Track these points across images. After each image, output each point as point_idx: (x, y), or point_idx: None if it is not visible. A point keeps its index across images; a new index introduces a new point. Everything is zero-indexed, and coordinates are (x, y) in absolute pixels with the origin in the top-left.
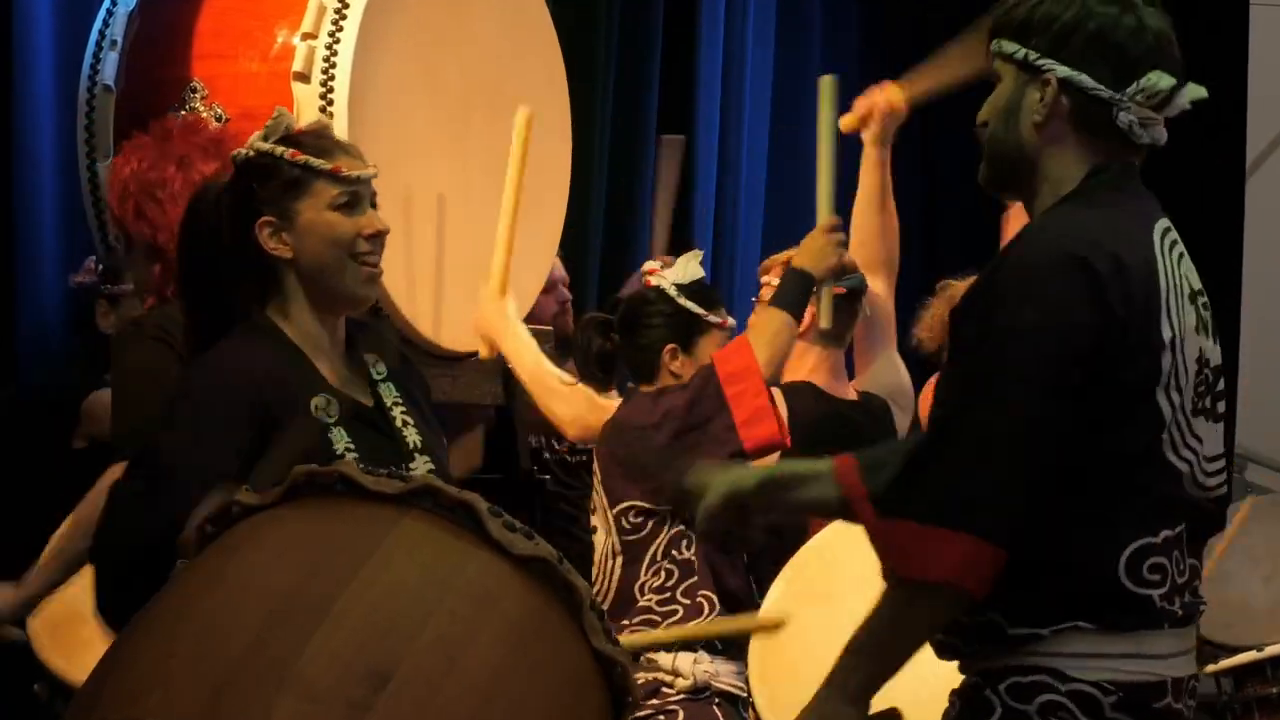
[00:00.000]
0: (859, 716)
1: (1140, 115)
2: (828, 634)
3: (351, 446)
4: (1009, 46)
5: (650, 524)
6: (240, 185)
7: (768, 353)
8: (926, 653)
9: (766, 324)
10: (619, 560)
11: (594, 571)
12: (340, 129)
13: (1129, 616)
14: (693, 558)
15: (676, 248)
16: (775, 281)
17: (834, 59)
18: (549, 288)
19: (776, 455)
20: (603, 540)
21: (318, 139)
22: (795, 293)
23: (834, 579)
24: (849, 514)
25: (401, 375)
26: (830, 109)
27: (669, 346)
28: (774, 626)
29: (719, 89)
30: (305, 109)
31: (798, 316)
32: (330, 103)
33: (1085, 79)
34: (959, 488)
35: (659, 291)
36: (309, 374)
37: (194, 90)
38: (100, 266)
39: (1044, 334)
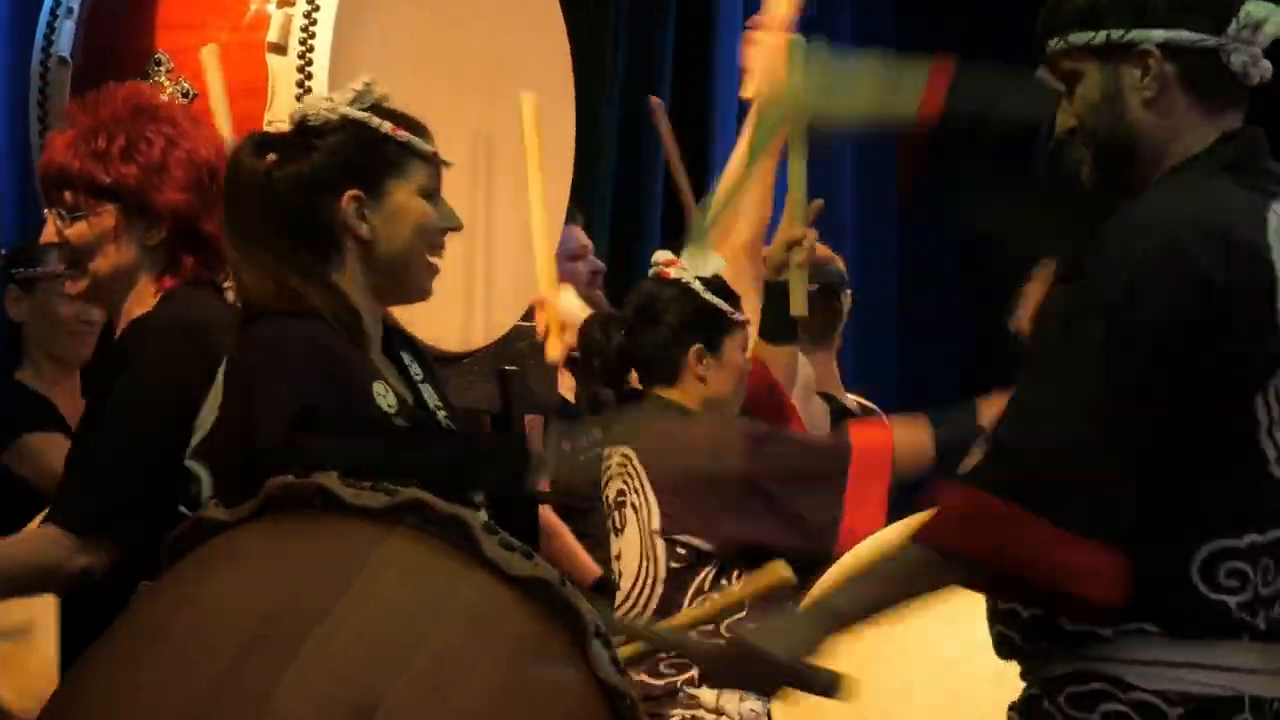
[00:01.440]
0: (822, 639)
1: (1250, 53)
2: (855, 660)
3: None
4: (1080, 37)
5: (700, 557)
6: (325, 149)
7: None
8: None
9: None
10: (659, 591)
11: (618, 596)
12: None
13: (1199, 623)
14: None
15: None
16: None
17: (865, 36)
18: (578, 254)
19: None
20: (635, 564)
21: (408, 117)
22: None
23: None
24: None
25: (435, 379)
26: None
27: (695, 347)
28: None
29: (738, 67)
30: (281, 83)
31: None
32: (309, 76)
33: (1185, 35)
34: (1050, 471)
35: (680, 286)
36: (367, 361)
37: (158, 63)
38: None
39: (1134, 320)
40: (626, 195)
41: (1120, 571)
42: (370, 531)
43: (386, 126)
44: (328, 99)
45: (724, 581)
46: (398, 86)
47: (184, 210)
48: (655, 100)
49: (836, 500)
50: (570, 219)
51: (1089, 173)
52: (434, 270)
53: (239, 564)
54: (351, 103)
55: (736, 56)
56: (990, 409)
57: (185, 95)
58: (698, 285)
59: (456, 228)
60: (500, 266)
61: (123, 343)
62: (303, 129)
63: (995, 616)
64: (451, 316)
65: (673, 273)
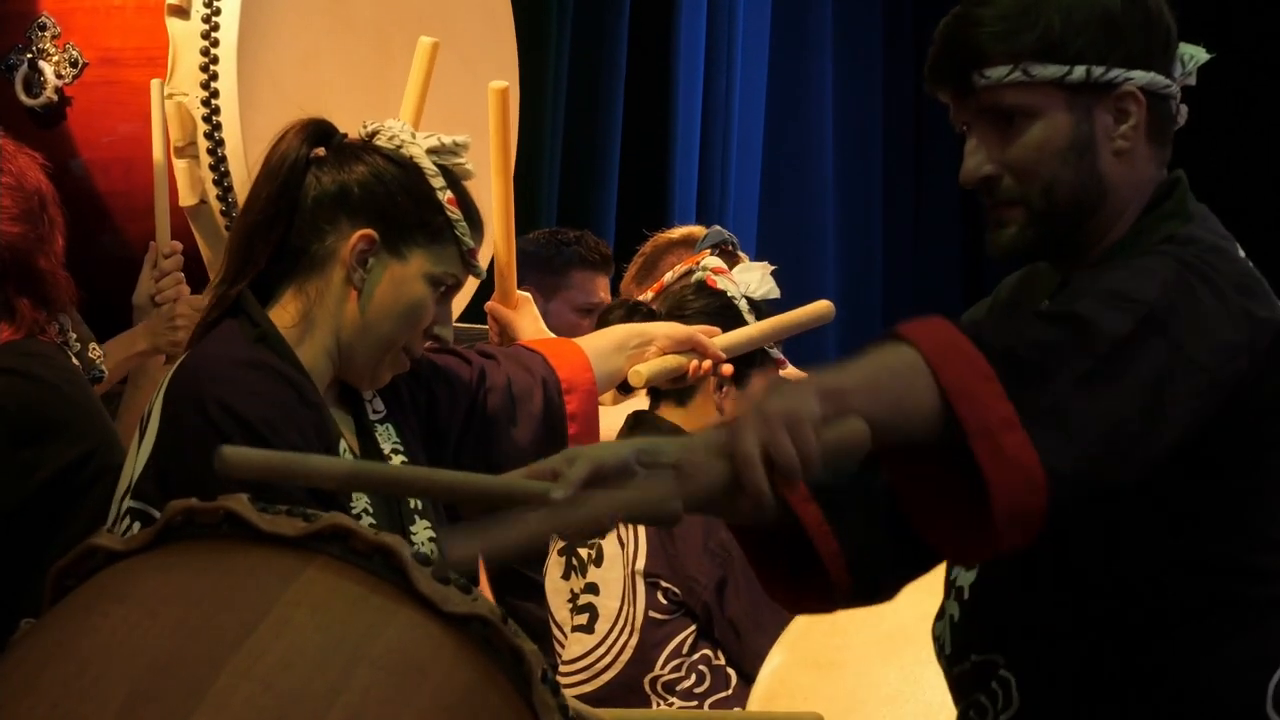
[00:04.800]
0: (816, 410)
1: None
2: (837, 707)
3: (370, 508)
4: (1045, 70)
5: (683, 611)
6: (372, 170)
7: None
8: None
9: None
10: (634, 639)
11: (589, 640)
12: (228, 76)
13: None
14: (730, 670)
15: (620, 220)
16: None
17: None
18: None
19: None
20: (615, 605)
21: (470, 202)
22: None
23: (841, 646)
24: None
25: (399, 412)
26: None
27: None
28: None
29: (704, 22)
30: (183, 51)
31: None
32: (215, 43)
33: (1159, 79)
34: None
35: (724, 301)
36: (324, 415)
37: (42, 28)
38: None
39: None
40: (575, 172)
41: (1035, 517)
42: (284, 563)
43: (444, 192)
44: (409, 129)
45: (709, 651)
46: (318, 48)
47: (16, 244)
48: None
49: None
50: None
51: (1021, 233)
52: (395, 369)
53: (129, 602)
54: (430, 150)
55: (701, 16)
56: None
57: (74, 65)
58: (744, 305)
59: (446, 340)
60: None
61: None
62: (366, 143)
63: None
64: None
65: (720, 283)
